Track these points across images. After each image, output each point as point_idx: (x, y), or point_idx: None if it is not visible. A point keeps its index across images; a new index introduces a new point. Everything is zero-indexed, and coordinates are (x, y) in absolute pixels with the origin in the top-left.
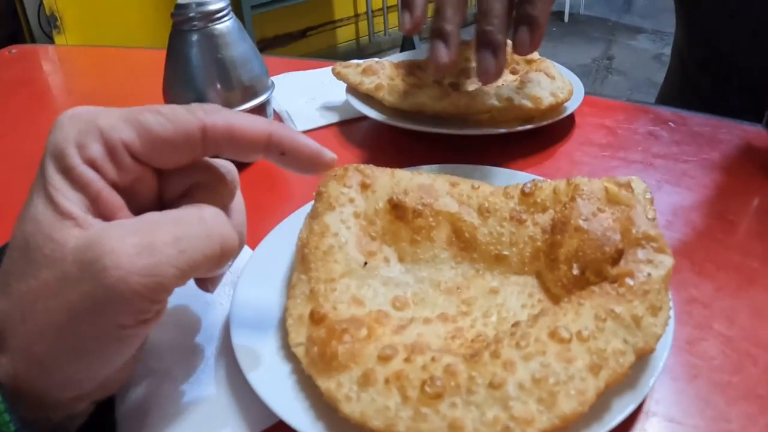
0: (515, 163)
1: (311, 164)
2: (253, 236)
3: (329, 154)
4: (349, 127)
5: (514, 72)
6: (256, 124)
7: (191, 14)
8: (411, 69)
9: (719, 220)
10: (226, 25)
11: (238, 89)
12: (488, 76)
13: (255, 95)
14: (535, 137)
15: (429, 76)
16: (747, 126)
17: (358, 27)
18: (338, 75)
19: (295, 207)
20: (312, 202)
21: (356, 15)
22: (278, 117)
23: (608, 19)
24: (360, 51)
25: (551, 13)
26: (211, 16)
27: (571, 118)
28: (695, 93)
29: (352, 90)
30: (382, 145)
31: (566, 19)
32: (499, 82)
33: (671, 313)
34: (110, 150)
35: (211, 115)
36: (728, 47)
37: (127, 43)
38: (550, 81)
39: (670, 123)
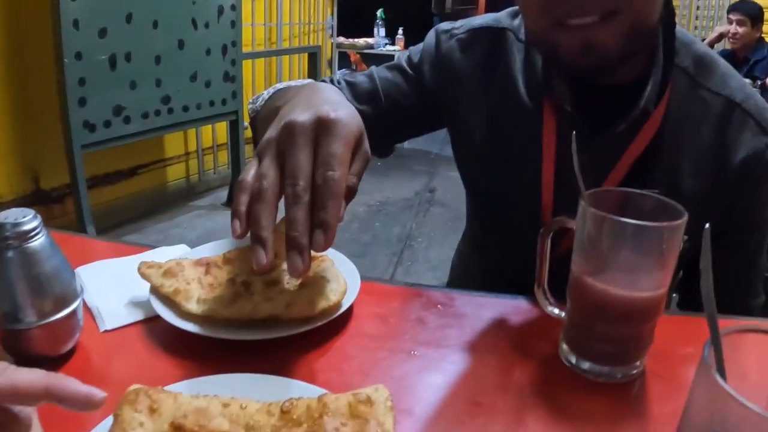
0: (293, 363)
1: (84, 407)
2: None
3: (97, 397)
4: (154, 324)
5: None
6: (36, 381)
7: (7, 233)
8: (209, 268)
9: (467, 402)
10: (40, 242)
11: (51, 301)
12: (299, 273)
13: (66, 304)
14: (313, 334)
15: (224, 275)
16: (510, 300)
17: (188, 165)
18: (142, 275)
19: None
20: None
21: (186, 153)
22: (89, 314)
23: (431, 152)
24: (190, 189)
25: None
26: (26, 235)
27: (349, 308)
28: (476, 263)
29: (155, 290)
30: (178, 347)
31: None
32: (281, 285)
33: None
34: None
35: None
36: (497, 221)
37: None
38: (327, 282)
39: (438, 305)
